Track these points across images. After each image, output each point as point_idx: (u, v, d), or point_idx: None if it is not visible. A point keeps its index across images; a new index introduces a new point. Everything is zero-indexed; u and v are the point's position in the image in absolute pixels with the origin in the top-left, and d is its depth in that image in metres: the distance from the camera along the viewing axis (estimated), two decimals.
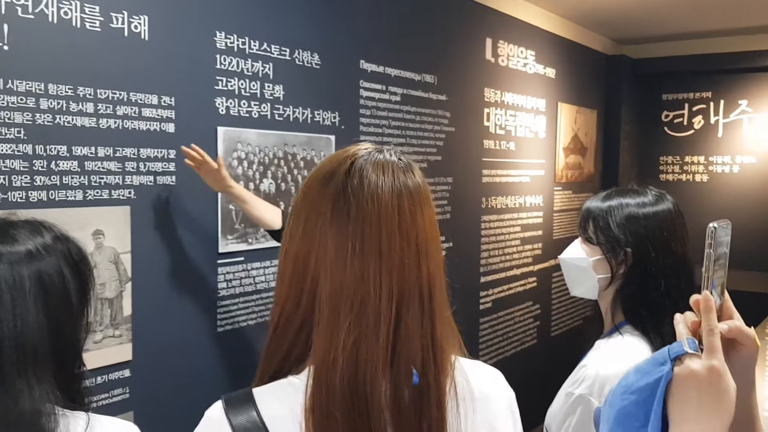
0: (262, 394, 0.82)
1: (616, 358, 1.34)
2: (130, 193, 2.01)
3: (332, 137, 2.72)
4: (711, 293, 0.85)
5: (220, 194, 2.24)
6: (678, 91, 5.54)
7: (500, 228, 4.04)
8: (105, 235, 1.94)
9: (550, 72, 4.48)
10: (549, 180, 4.55)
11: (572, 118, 4.79)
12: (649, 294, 1.39)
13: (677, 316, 0.88)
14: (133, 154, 2.02)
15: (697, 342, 0.83)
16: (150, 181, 2.07)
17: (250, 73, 2.37)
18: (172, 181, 2.13)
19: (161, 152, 2.10)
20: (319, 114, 2.66)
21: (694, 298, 0.85)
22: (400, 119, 3.12)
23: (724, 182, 5.39)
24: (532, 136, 4.32)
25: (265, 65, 2.42)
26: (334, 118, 2.74)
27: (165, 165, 2.11)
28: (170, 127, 2.11)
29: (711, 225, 0.85)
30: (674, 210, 1.44)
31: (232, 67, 2.31)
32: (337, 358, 0.79)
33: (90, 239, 1.91)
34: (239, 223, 2.34)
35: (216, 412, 0.81)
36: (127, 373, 2.02)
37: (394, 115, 3.09)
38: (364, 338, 0.80)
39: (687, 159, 5.52)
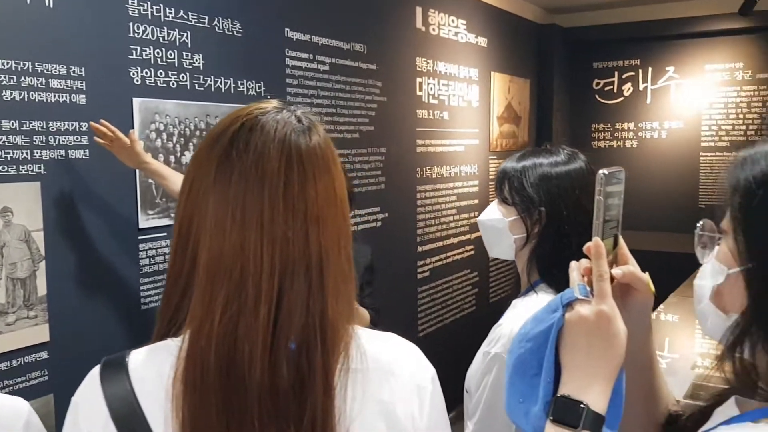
0: (135, 356, 0.81)
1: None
2: (39, 168, 1.92)
3: None
4: (602, 240, 0.86)
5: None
6: (608, 59, 5.64)
7: (436, 197, 4.06)
8: (14, 212, 1.86)
9: (482, 41, 4.49)
10: (484, 149, 4.59)
11: (505, 87, 4.82)
12: (563, 252, 1.40)
13: (572, 264, 0.88)
14: (42, 128, 1.93)
15: (588, 288, 0.84)
16: (61, 156, 1.98)
17: (166, 42, 2.28)
18: (86, 155, 2.04)
19: (72, 125, 2.00)
20: (242, 84, 2.60)
21: (586, 245, 0.86)
22: (329, 89, 3.08)
23: (652, 147, 5.54)
24: (465, 105, 4.34)
25: (182, 33, 2.34)
26: (259, 87, 2.68)
27: (77, 138, 2.02)
28: (81, 99, 2.02)
29: (600, 172, 0.86)
30: (586, 168, 1.46)
31: (147, 36, 2.22)
32: (212, 333, 0.75)
33: None
34: (160, 197, 2.27)
35: (94, 375, 0.80)
36: (44, 355, 1.95)
37: (323, 85, 3.04)
38: (242, 314, 0.75)
39: (618, 126, 5.65)
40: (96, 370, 0.80)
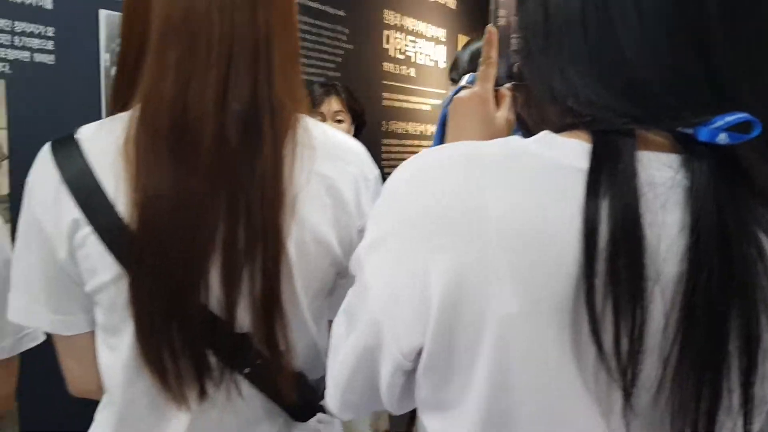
0: (86, 129, 0.86)
1: None
2: (4, 67, 1.94)
3: None
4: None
5: (103, 78, 2.18)
6: None
7: (401, 153, 4.12)
8: None
9: (451, 2, 4.56)
10: None
11: None
12: None
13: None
14: (8, 27, 1.94)
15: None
16: (26, 58, 2.00)
17: None
18: (51, 61, 2.06)
19: (38, 29, 2.02)
20: None
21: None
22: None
23: None
24: (432, 64, 4.40)
25: None
26: None
27: (42, 42, 2.03)
28: (47, 3, 2.04)
29: None
30: None
31: None
32: (164, 94, 0.79)
33: None
34: None
35: (44, 149, 0.85)
36: None
37: None
38: (194, 74, 0.79)
39: None
40: (46, 146, 0.84)
